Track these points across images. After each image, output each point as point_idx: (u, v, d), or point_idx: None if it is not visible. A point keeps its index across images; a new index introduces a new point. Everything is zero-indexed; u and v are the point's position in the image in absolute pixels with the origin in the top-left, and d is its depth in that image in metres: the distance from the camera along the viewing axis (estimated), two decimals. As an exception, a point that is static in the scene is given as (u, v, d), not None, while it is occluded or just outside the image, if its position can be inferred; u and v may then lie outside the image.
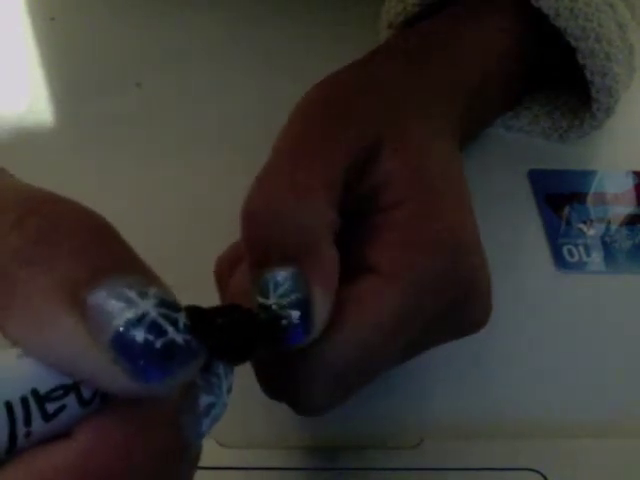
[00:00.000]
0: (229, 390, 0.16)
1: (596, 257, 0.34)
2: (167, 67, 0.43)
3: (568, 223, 0.36)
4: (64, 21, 0.46)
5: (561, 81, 0.39)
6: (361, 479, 0.26)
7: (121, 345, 0.14)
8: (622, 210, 0.37)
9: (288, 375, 0.23)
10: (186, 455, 0.16)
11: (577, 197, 0.37)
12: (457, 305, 0.24)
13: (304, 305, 0.21)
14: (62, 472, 0.14)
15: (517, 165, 0.38)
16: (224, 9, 0.46)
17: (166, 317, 0.14)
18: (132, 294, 0.14)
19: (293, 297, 0.21)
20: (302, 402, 0.23)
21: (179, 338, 0.14)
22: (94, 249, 0.15)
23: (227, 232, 0.25)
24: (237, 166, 0.37)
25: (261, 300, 0.21)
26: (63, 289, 0.14)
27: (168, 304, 0.14)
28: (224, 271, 0.25)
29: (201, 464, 0.17)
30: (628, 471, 0.27)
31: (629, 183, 0.38)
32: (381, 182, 0.24)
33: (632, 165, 0.39)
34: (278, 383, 0.24)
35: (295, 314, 0.20)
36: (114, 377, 0.14)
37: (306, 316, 0.21)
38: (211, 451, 0.26)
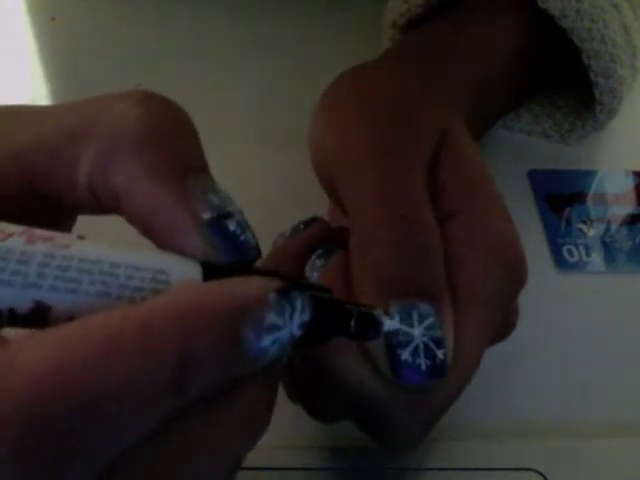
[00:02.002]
0: (301, 327, 0.16)
1: (596, 257, 0.34)
2: (167, 67, 0.43)
3: (568, 223, 0.36)
4: (64, 21, 0.46)
5: (562, 82, 0.39)
6: (361, 479, 0.26)
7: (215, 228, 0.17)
8: (622, 210, 0.37)
9: (380, 422, 0.22)
10: (244, 371, 0.15)
11: (577, 197, 0.37)
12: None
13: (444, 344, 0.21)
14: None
15: (517, 165, 0.38)
16: (225, 8, 0.46)
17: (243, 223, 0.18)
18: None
19: (439, 333, 0.20)
20: (389, 444, 0.24)
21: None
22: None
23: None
24: (237, 166, 0.38)
25: (403, 327, 0.20)
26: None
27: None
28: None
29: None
30: (628, 471, 0.27)
31: (629, 183, 0.38)
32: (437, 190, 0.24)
33: (632, 165, 0.39)
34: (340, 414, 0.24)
35: (442, 351, 0.20)
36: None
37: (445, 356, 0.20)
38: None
